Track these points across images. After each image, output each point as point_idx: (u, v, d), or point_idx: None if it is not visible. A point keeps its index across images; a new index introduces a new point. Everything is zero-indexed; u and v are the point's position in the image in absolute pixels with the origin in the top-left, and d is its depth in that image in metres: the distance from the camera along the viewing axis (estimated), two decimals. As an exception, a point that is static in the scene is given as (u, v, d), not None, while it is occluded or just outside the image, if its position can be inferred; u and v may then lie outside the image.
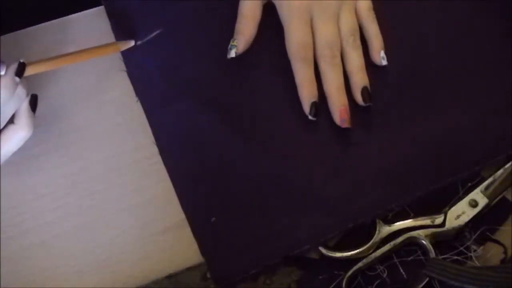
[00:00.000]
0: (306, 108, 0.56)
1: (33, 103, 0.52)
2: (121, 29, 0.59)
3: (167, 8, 0.60)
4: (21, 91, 0.50)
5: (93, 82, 0.57)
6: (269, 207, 0.53)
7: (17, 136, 0.51)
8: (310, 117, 0.55)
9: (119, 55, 0.58)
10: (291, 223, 0.52)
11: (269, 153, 0.55)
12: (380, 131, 0.56)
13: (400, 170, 0.54)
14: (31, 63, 0.51)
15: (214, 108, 0.56)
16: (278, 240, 0.52)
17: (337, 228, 0.52)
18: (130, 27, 0.59)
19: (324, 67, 0.57)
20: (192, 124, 0.56)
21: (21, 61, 0.50)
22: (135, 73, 0.58)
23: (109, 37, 0.59)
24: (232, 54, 0.57)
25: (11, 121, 0.51)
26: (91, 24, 0.60)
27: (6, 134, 0.50)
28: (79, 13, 0.60)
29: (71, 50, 0.58)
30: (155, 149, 0.55)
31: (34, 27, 0.58)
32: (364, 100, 0.56)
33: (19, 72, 0.49)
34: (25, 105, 0.51)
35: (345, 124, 0.55)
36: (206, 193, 0.53)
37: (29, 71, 0.51)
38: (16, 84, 0.49)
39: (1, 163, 0.51)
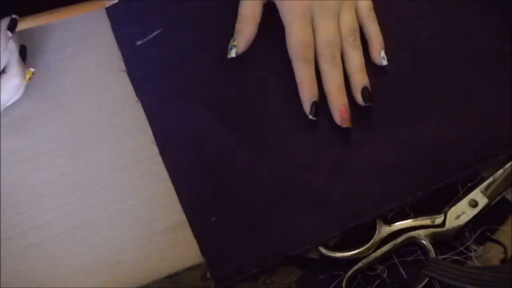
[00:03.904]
0: (307, 107, 0.56)
1: (23, 53, 0.53)
2: (121, 29, 0.59)
3: (167, 8, 0.60)
4: (12, 46, 0.51)
5: (93, 82, 0.57)
6: (269, 207, 0.53)
7: (10, 84, 0.52)
8: (310, 117, 0.55)
9: (119, 54, 0.58)
10: (291, 223, 0.52)
11: (268, 152, 0.55)
12: (380, 130, 0.56)
13: (400, 170, 0.54)
14: (23, 18, 0.52)
15: (214, 108, 0.56)
16: (278, 240, 0.52)
17: (337, 228, 0.52)
18: (130, 27, 0.59)
19: (324, 67, 0.57)
20: (192, 124, 0.56)
21: (13, 16, 0.51)
22: (135, 73, 0.58)
23: (109, 36, 0.59)
24: (233, 54, 0.57)
25: (2, 72, 0.52)
26: (91, 24, 0.60)
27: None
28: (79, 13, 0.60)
29: (72, 50, 0.59)
30: (155, 149, 0.55)
31: (34, 27, 0.58)
32: (364, 100, 0.56)
33: (11, 27, 0.51)
34: (15, 55, 0.52)
35: (345, 124, 0.55)
36: (206, 193, 0.53)
37: (20, 26, 0.52)
38: (8, 39, 0.50)
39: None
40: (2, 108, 0.53)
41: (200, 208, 0.53)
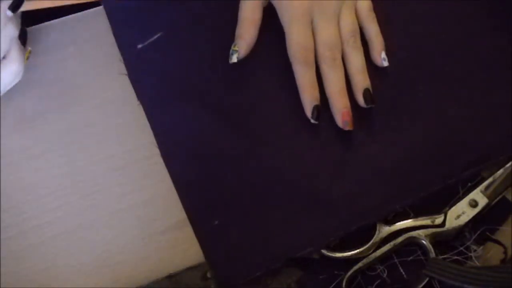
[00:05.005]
0: (308, 111, 0.55)
1: (23, 37, 0.52)
2: (121, 33, 0.59)
3: (168, 12, 0.60)
4: (11, 30, 0.50)
5: (93, 82, 0.57)
6: (272, 210, 0.53)
7: (9, 69, 0.51)
8: (312, 121, 0.55)
9: (120, 58, 0.58)
10: (294, 225, 0.52)
11: (271, 156, 0.55)
12: (383, 132, 0.56)
13: (403, 171, 0.54)
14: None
15: (216, 111, 0.56)
16: (281, 243, 0.51)
17: (341, 230, 0.52)
18: (130, 30, 0.59)
19: (325, 70, 0.56)
20: (194, 127, 0.55)
21: None
22: (136, 77, 0.57)
23: (109, 37, 0.59)
24: (234, 59, 0.57)
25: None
26: (91, 24, 0.60)
27: None
28: (79, 13, 0.60)
29: (72, 50, 0.58)
30: (155, 149, 0.55)
31: (33, 27, 0.58)
32: (366, 101, 0.56)
33: (14, 8, 0.48)
34: (14, 39, 0.51)
35: (348, 127, 0.55)
36: (208, 197, 0.53)
37: (25, 7, 0.50)
38: (7, 18, 0.48)
39: None
40: (2, 92, 0.51)
41: (202, 212, 0.52)
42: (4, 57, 0.51)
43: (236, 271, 0.50)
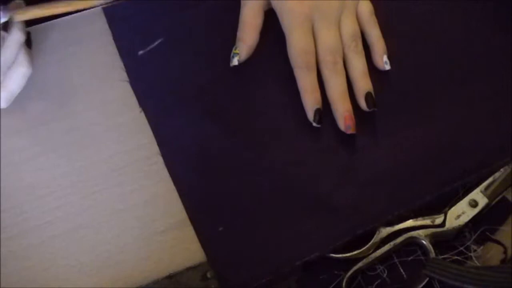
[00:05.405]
0: (310, 115, 0.55)
1: (28, 40, 0.53)
2: (122, 39, 0.59)
3: (168, 17, 0.60)
4: (17, 35, 0.51)
5: (93, 82, 0.57)
6: (276, 215, 0.52)
7: (18, 73, 0.52)
8: (314, 124, 0.55)
9: (121, 65, 0.58)
10: (300, 230, 0.52)
11: (274, 160, 0.54)
12: (386, 136, 0.56)
13: (408, 175, 0.54)
14: (20, 12, 0.51)
15: (218, 116, 0.56)
16: (288, 248, 0.51)
17: (346, 235, 0.51)
18: (131, 36, 0.59)
19: (326, 74, 0.56)
20: (197, 134, 0.55)
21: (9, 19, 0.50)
22: (138, 84, 0.57)
23: (109, 37, 0.59)
24: (235, 62, 0.57)
25: None
26: (91, 24, 0.60)
27: (7, 73, 0.51)
28: (79, 13, 0.60)
29: (72, 50, 0.59)
30: (155, 149, 0.55)
31: (34, 26, 0.58)
32: (368, 105, 0.56)
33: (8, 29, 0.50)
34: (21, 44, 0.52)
35: (350, 131, 0.55)
36: (212, 202, 0.53)
37: (18, 18, 0.51)
38: (3, 38, 0.50)
39: (8, 103, 0.52)
40: (9, 102, 0.52)
41: (206, 218, 0.52)
42: (13, 62, 0.51)
43: (244, 277, 0.50)
